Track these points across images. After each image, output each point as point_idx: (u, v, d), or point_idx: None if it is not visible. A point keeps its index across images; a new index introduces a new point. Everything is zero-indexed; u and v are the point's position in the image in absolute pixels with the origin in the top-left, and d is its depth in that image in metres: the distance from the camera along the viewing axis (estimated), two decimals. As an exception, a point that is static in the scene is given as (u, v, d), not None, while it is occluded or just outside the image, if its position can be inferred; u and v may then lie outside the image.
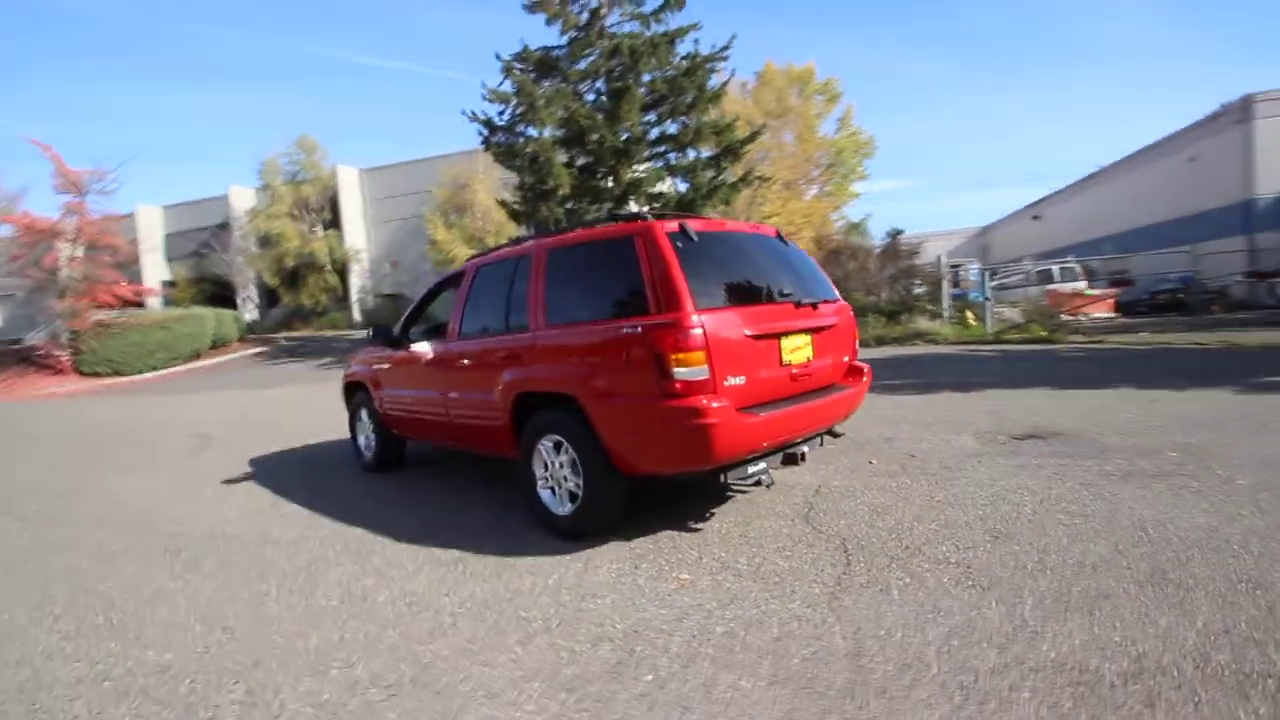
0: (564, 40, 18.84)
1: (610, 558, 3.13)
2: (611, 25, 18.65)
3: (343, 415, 7.97)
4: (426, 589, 2.92)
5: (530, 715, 1.95)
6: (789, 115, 31.52)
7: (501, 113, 18.59)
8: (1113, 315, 16.58)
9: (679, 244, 3.06)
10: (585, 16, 18.32)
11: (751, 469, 3.11)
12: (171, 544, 3.81)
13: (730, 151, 18.18)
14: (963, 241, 39.43)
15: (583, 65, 18.88)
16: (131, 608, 2.94)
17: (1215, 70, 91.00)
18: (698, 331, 2.82)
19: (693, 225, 3.21)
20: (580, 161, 18.36)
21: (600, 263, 3.37)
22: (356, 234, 31.25)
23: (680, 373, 2.81)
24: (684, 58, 17.93)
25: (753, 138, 18.87)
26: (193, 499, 4.83)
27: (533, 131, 18.50)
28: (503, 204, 19.00)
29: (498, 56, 18.40)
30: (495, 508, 4.07)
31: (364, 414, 5.37)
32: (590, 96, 18.76)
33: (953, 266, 19.37)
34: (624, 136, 17.44)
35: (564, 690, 2.06)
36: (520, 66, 18.23)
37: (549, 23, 18.64)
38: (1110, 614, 2.31)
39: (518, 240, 4.26)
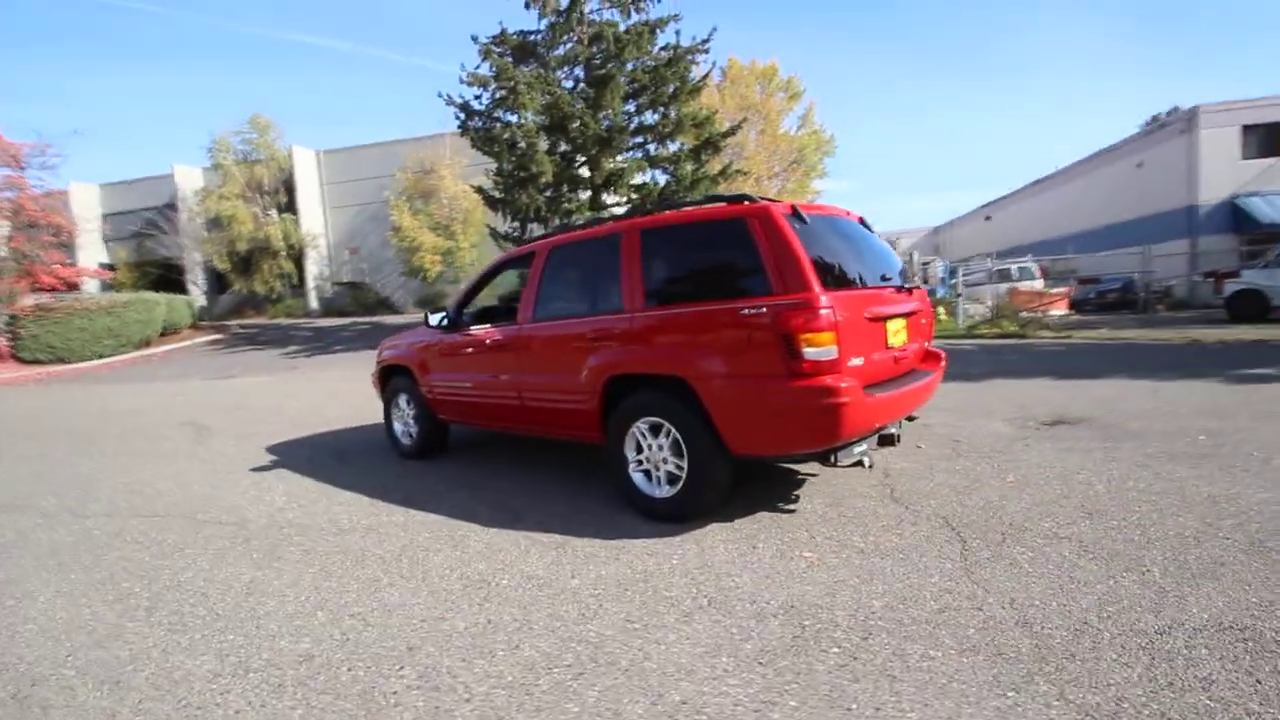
0: (543, 25, 18.57)
1: (720, 538, 3.14)
2: (591, 12, 18.45)
3: (349, 403, 7.73)
4: (547, 572, 2.86)
5: (737, 689, 1.95)
6: (752, 111, 31.94)
7: (478, 97, 18.20)
8: (1068, 313, 17.51)
9: (796, 226, 3.07)
10: (565, 1, 18.05)
11: (857, 449, 3.16)
12: (235, 534, 3.61)
13: (710, 144, 18.30)
14: (915, 241, 40.75)
15: (561, 51, 18.66)
16: (231, 599, 2.78)
17: (1149, 83, 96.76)
18: (827, 311, 2.85)
19: (802, 208, 3.23)
20: (561, 149, 18.16)
21: (705, 244, 3.35)
22: (313, 218, 30.03)
23: (810, 352, 2.83)
24: (663, 48, 17.92)
25: (733, 131, 19.03)
26: (230, 488, 4.58)
27: (512, 117, 18.19)
28: (479, 190, 18.60)
29: (475, 39, 18.00)
30: (567, 492, 4.01)
31: (403, 400, 5.19)
32: (569, 84, 18.55)
33: (924, 264, 20.06)
34: (605, 125, 17.33)
35: (757, 664, 2.07)
36: (499, 50, 17.86)
37: (528, 6, 18.31)
38: (1235, 579, 2.45)
39: (593, 222, 4.19)
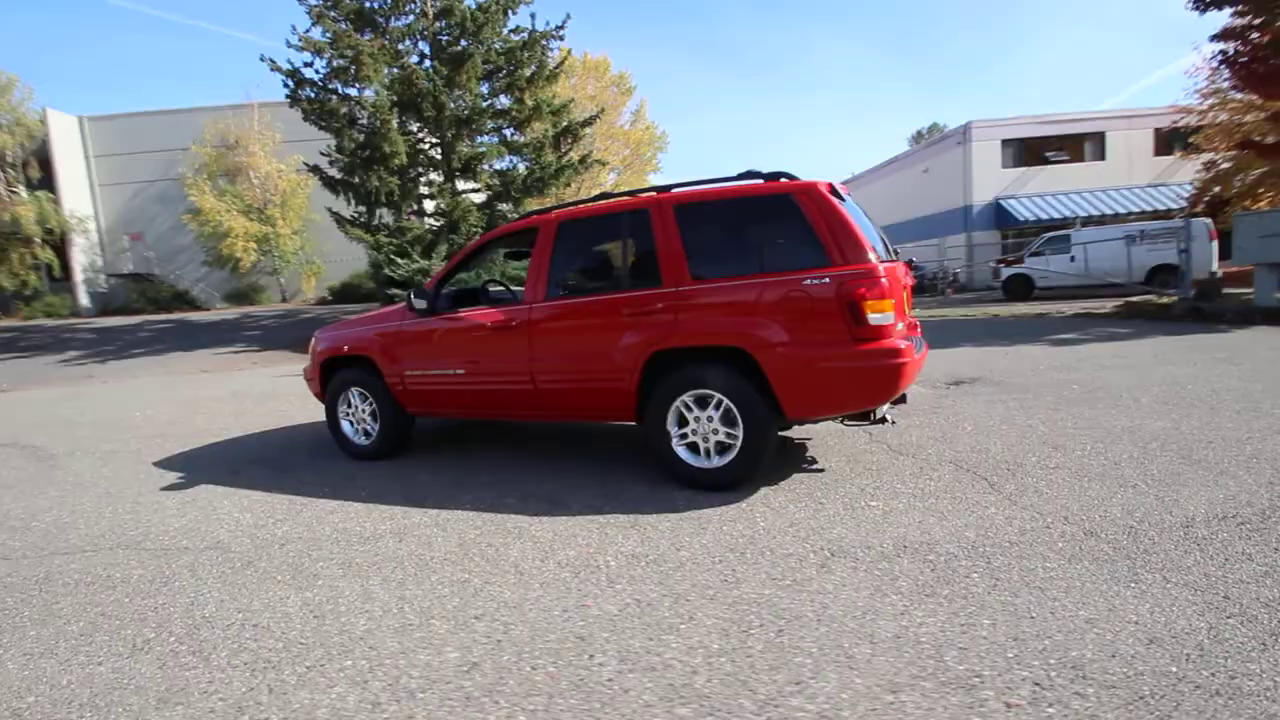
0: (383, -9, 17.10)
1: (781, 500, 3.29)
2: (437, -17, 17.37)
3: (223, 411, 6.80)
4: (647, 549, 2.80)
5: (929, 619, 2.11)
6: (586, 103, 32.38)
7: (310, 64, 16.31)
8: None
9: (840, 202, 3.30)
10: (407, -32, 16.78)
11: (887, 407, 3.51)
12: (222, 558, 3.01)
13: (569, 133, 18.21)
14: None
15: (404, 23, 17.36)
16: (300, 625, 2.35)
17: (910, 101, 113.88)
18: (885, 280, 3.11)
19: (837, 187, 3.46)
20: (411, 128, 16.91)
21: (748, 219, 3.45)
22: (79, 198, 24.83)
23: (874, 318, 3.08)
24: (514, 30, 17.43)
25: (591, 120, 19.10)
26: (154, 511, 3.76)
27: (353, 90, 16.57)
28: (315, 170, 16.67)
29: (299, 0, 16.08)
30: (586, 474, 3.90)
31: (355, 395, 4.62)
32: (414, 59, 17.31)
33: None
34: (464, 107, 16.47)
35: (926, 597, 2.25)
36: (334, 15, 16.12)
37: (365, -31, 16.75)
38: (1196, 483, 3.14)
39: (601, 196, 4.06)
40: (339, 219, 16.54)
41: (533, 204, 19.24)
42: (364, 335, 4.58)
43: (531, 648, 2.10)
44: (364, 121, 16.42)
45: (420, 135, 17.22)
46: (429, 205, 17.66)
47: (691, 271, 3.44)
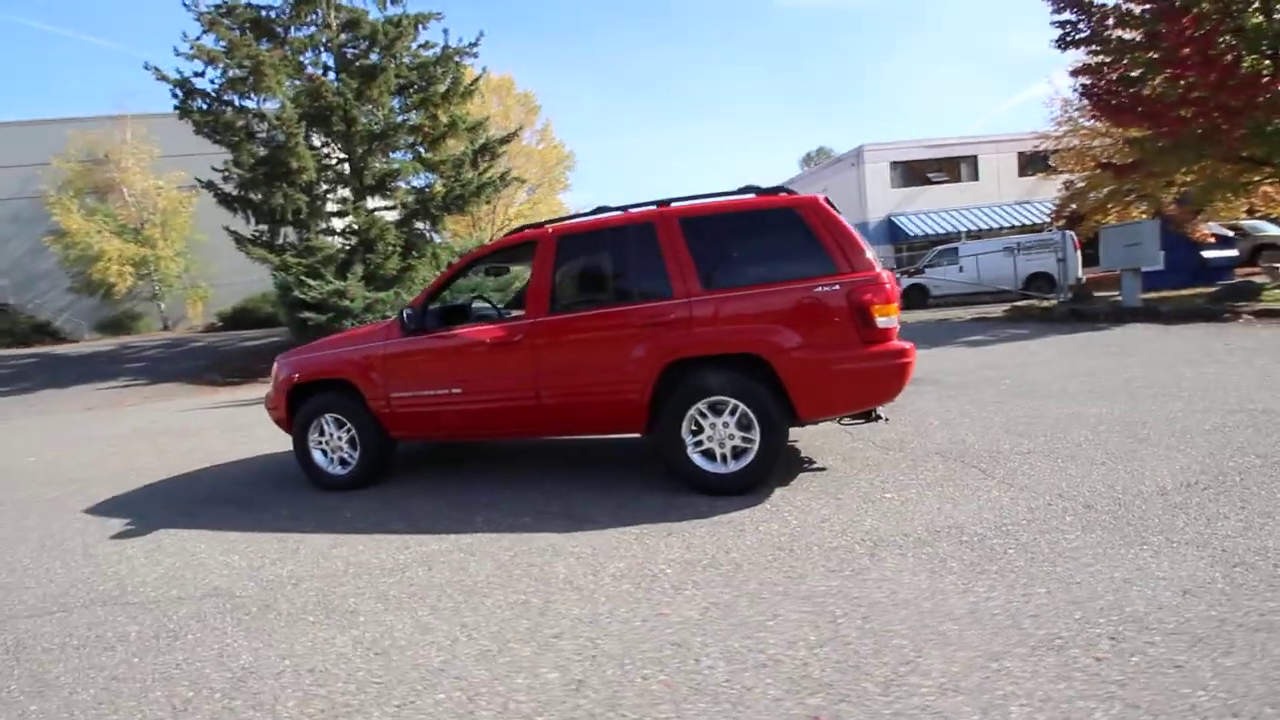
0: (281, 1, 16.24)
1: (801, 498, 3.42)
2: (341, -4, 16.69)
3: (147, 449, 6.27)
4: (694, 554, 2.83)
5: (996, 590, 2.29)
6: (499, 121, 32.14)
7: (202, 74, 15.15)
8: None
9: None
10: (309, -23, 16.04)
11: (882, 406, 3.75)
12: (233, 604, 2.74)
13: (486, 150, 17.95)
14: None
15: (305, 34, 16.56)
16: (365, 664, 2.18)
17: (796, 125, 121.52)
18: (890, 286, 3.35)
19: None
20: (317, 143, 16.05)
21: (753, 231, 3.61)
22: (-95, 217, 21.60)
23: (882, 321, 3.30)
24: (423, 45, 17.05)
25: (510, 137, 18.94)
26: (118, 562, 3.34)
27: (250, 103, 15.55)
28: (210, 186, 15.42)
29: (187, 6, 15.02)
30: (590, 486, 3.88)
31: (330, 422, 4.33)
32: (318, 71, 16.50)
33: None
34: (377, 122, 15.85)
35: (982, 576, 2.43)
36: (228, 23, 15.11)
37: (261, -24, 15.85)
38: (1154, 458, 3.57)
39: (600, 210, 4.06)
40: (239, 238, 15.36)
41: (452, 223, 18.78)
42: (342, 358, 4.31)
43: (631, 659, 2.08)
44: (264, 135, 15.46)
45: (327, 150, 16.39)
46: (338, 223, 16.79)
47: (701, 282, 3.54)
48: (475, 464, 4.82)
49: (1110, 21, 12.78)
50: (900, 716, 1.70)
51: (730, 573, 2.64)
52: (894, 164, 25.89)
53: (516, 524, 3.43)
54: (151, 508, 4.36)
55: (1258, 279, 13.18)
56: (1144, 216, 14.56)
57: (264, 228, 15.76)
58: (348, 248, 15.90)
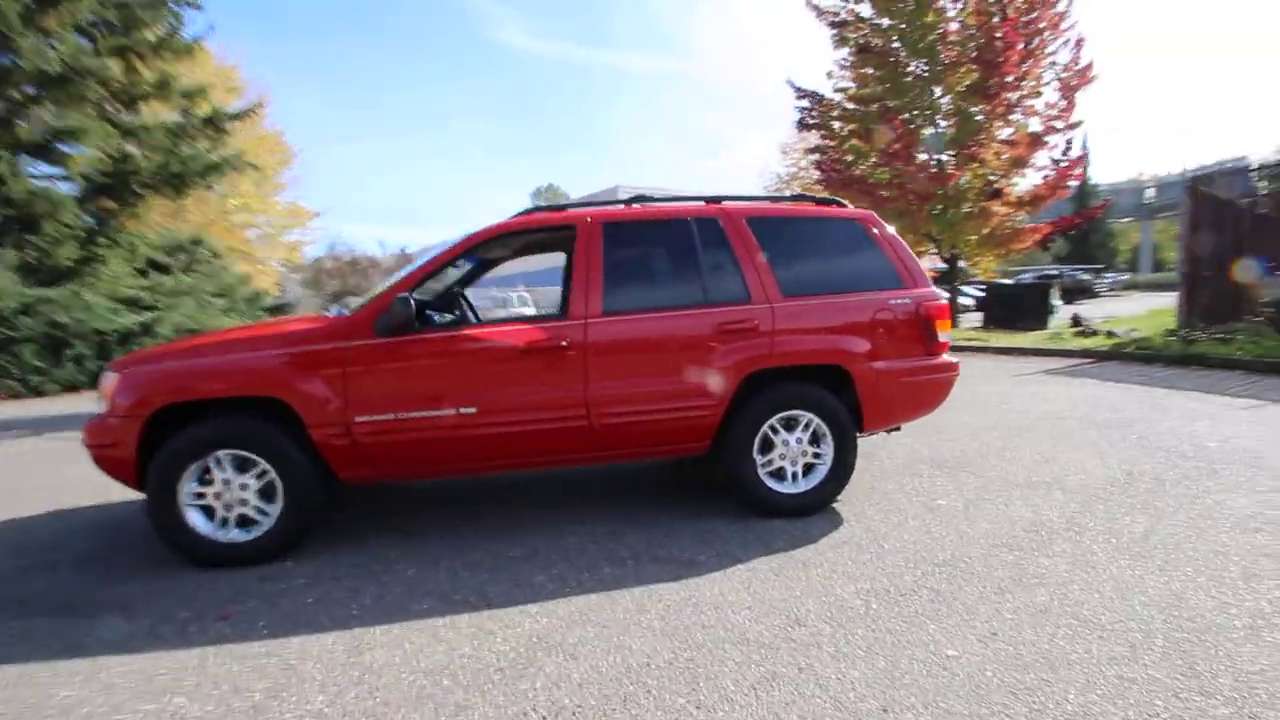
0: None
1: (863, 513, 3.33)
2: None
3: None
4: (858, 586, 2.55)
5: (1149, 571, 2.50)
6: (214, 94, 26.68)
7: None
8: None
9: (890, 232, 3.61)
10: None
11: None
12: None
13: (213, 124, 14.48)
14: (393, 263, 41.37)
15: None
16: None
17: (525, 163, 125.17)
18: (946, 300, 3.52)
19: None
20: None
21: (821, 238, 3.48)
22: None
23: (941, 335, 3.45)
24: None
25: (244, 114, 15.51)
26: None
27: None
28: None
29: None
30: (624, 520, 3.28)
31: (226, 465, 2.84)
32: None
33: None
34: (52, 60, 11.52)
35: (1128, 559, 2.65)
36: None
37: None
38: (1119, 439, 4.37)
39: (637, 199, 3.44)
40: None
41: (161, 204, 14.60)
42: (262, 365, 2.90)
43: (943, 701, 1.74)
44: None
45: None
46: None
47: (780, 287, 3.28)
48: (425, 508, 3.68)
49: (835, 114, 15.96)
50: None
51: (902, 596, 2.43)
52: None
53: (604, 577, 2.68)
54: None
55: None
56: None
57: None
58: (-9, 224, 11.19)
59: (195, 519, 2.89)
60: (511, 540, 3.13)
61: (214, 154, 13.80)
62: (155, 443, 2.86)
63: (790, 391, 3.26)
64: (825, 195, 3.84)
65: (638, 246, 3.39)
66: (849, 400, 3.34)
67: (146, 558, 3.01)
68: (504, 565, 2.84)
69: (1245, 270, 8.20)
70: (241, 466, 2.91)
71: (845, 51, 15.34)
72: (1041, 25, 13.93)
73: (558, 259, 4.07)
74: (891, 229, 3.58)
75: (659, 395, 3.13)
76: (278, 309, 18.31)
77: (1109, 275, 35.33)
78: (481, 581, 2.68)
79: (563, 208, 3.41)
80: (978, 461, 4.26)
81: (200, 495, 2.89)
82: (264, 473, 2.91)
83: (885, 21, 14.68)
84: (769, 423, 3.25)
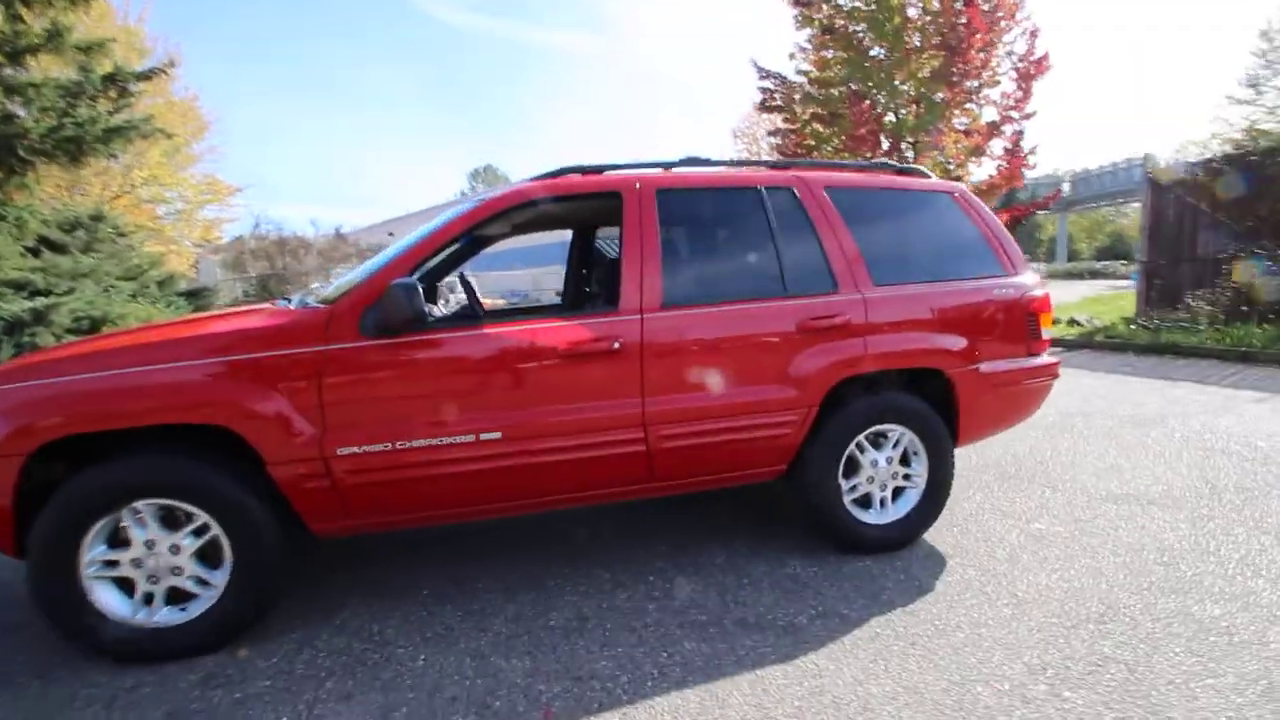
0: None
1: (977, 545, 2.80)
2: None
3: None
4: (1018, 627, 1.99)
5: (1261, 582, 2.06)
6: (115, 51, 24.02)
7: None
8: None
9: (976, 206, 3.05)
10: None
11: None
12: None
13: (116, 83, 12.67)
14: (327, 245, 39.29)
15: None
16: None
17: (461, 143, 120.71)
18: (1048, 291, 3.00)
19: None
20: None
21: (910, 214, 2.90)
22: None
23: (1045, 331, 2.93)
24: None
25: (152, 73, 13.64)
26: None
27: None
28: None
29: None
30: (679, 565, 2.62)
31: (146, 521, 2.02)
32: None
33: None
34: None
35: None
36: None
37: None
38: (1164, 440, 4.00)
39: (689, 161, 2.72)
40: None
41: (55, 174, 12.77)
42: (199, 376, 2.06)
43: None
44: None
45: None
46: None
47: (871, 274, 2.67)
48: (401, 548, 2.90)
49: (798, 96, 15.57)
50: None
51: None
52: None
53: (688, 657, 2.03)
54: None
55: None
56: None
57: None
58: None
59: (104, 596, 2.05)
60: (540, 595, 2.42)
61: (117, 118, 12.05)
62: (42, 490, 2.00)
63: (884, 401, 2.66)
64: (907, 165, 3.22)
65: (699, 221, 2.71)
66: (942, 410, 2.78)
67: (31, 642, 2.14)
68: (545, 642, 2.14)
69: (1245, 269, 8.30)
70: (171, 521, 2.08)
71: (808, 33, 14.94)
72: (999, 15, 13.91)
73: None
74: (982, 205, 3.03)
75: (732, 409, 2.47)
76: (194, 294, 16.51)
77: (1033, 265, 37.19)
78: (526, 673, 1.97)
79: (600, 169, 2.67)
80: (1040, 469, 3.81)
81: (112, 563, 2.05)
82: (204, 528, 2.09)
83: (850, 3, 14.34)
84: (858, 439, 2.65)
